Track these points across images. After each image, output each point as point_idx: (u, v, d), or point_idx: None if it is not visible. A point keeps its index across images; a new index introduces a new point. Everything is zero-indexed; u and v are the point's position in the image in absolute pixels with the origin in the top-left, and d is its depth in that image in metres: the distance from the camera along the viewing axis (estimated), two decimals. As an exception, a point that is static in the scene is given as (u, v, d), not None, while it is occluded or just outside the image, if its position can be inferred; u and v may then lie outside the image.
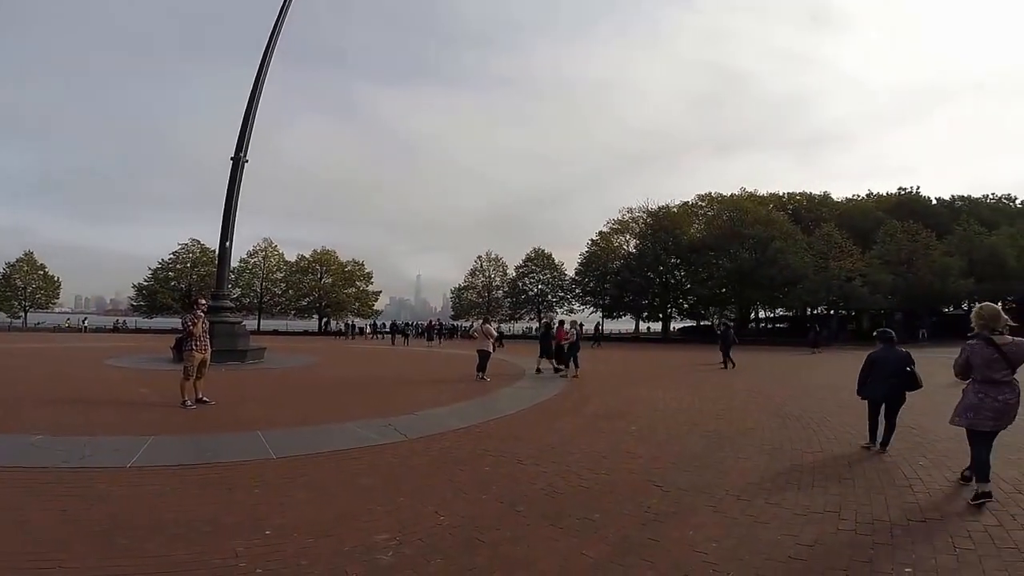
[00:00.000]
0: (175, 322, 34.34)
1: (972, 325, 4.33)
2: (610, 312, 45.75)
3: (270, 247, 54.54)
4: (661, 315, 44.18)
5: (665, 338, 42.33)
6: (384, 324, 51.20)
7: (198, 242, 50.01)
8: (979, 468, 4.09)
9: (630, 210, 47.33)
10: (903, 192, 48.16)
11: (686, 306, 42.67)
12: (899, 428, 5.81)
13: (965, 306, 42.12)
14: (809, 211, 46.36)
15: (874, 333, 6.40)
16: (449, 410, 8.33)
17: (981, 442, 4.09)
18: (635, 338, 42.54)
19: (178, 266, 50.23)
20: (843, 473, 4.91)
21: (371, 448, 5.79)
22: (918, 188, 48.48)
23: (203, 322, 8.13)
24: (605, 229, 48.50)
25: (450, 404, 8.91)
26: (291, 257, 55.37)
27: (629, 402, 9.43)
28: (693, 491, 4.35)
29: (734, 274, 37.91)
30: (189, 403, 7.72)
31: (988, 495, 3.97)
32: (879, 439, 5.84)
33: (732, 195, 46.04)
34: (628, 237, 47.29)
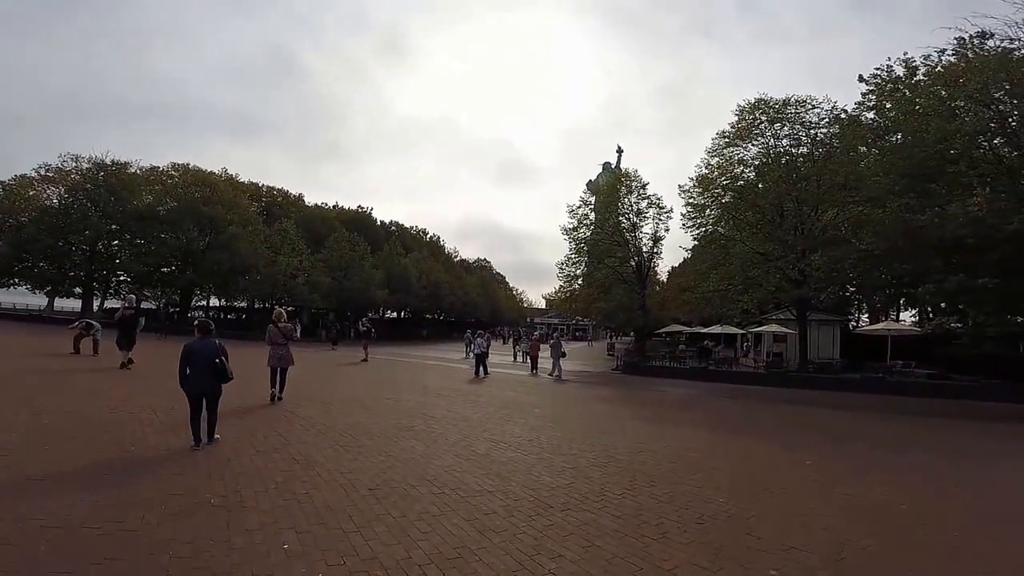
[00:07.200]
0: None
1: (274, 319, 10.00)
2: (-1, 280, 33.45)
3: None
4: (80, 289, 35.43)
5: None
6: None
7: None
8: (282, 386, 9.85)
9: (75, 159, 36.82)
10: (360, 210, 57.32)
11: (114, 283, 35.85)
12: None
13: (383, 312, 54.20)
14: (282, 208, 48.28)
15: (195, 323, 6.16)
16: None
17: (275, 373, 9.73)
18: (46, 318, 32.75)
19: None
20: None
21: None
22: (372, 209, 58.59)
23: None
24: (34, 174, 35.95)
25: None
26: None
27: None
28: None
29: (180, 253, 34.67)
30: None
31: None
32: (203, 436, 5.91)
33: (212, 172, 42.56)
34: (60, 189, 36.28)
